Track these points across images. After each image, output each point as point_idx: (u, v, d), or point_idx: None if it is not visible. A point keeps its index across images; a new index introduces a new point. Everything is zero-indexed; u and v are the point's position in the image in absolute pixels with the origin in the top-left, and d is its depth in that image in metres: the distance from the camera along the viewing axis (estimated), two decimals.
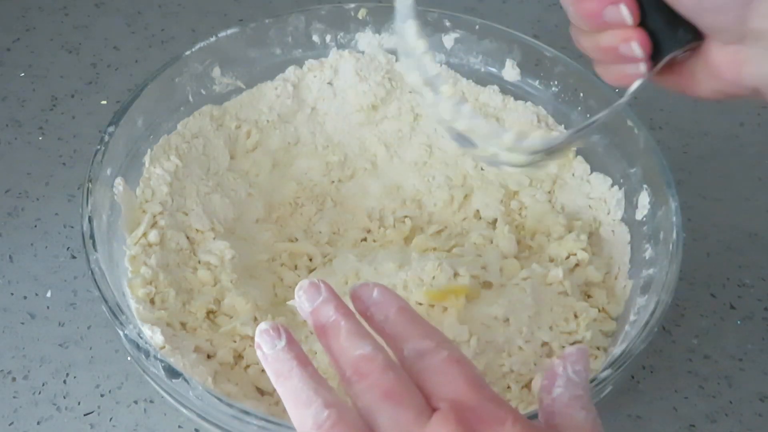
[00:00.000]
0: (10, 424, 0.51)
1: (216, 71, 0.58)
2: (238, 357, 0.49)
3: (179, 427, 0.51)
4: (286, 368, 0.36)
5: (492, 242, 0.56)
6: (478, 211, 0.59)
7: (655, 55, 0.39)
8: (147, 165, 0.54)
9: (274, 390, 0.47)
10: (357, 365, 0.36)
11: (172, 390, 0.43)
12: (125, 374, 0.53)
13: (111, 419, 0.52)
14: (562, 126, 0.59)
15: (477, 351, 0.46)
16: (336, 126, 0.61)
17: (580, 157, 0.59)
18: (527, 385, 0.47)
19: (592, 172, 0.58)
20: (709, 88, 0.40)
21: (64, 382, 0.53)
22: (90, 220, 0.47)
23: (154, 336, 0.45)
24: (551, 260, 0.55)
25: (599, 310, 0.52)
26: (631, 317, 0.49)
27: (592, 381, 0.42)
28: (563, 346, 0.48)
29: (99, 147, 0.50)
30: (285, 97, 0.60)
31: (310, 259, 0.56)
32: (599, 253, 0.55)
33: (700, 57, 0.39)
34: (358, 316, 0.40)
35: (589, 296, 0.53)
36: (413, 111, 0.62)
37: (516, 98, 0.60)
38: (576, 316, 0.50)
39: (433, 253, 0.55)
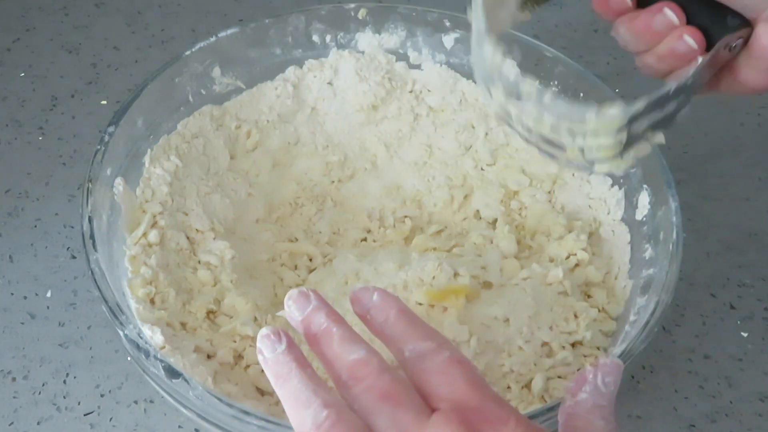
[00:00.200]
0: (10, 424, 0.51)
1: (216, 71, 0.58)
2: (238, 357, 0.49)
3: (179, 427, 0.51)
4: (285, 370, 0.36)
5: (492, 242, 0.56)
6: (478, 211, 0.59)
7: (709, 48, 0.42)
8: (147, 165, 0.54)
9: (274, 390, 0.47)
10: (352, 369, 0.36)
11: (172, 390, 0.43)
12: (125, 374, 0.53)
13: (111, 419, 0.52)
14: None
15: (477, 351, 0.46)
16: (336, 126, 0.61)
17: None
18: (527, 385, 0.47)
19: (592, 173, 0.58)
20: (760, 80, 0.42)
21: (64, 382, 0.53)
22: (90, 220, 0.47)
23: (154, 336, 0.45)
24: (551, 260, 0.55)
25: (599, 310, 0.52)
26: (631, 317, 0.49)
27: None
28: (563, 346, 0.48)
29: (99, 147, 0.50)
30: (285, 97, 0.60)
31: (310, 259, 0.56)
32: (599, 253, 0.55)
33: (750, 48, 0.41)
34: (354, 320, 0.40)
35: (589, 296, 0.53)
36: (413, 111, 0.62)
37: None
38: (576, 316, 0.50)
39: (433, 253, 0.55)
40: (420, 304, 0.48)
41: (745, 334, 0.58)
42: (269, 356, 0.37)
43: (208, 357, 0.48)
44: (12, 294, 0.57)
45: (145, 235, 0.51)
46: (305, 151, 0.61)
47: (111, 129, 0.51)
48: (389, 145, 0.62)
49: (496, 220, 0.58)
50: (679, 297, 0.58)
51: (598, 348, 0.50)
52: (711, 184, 0.66)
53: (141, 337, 0.43)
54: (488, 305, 0.49)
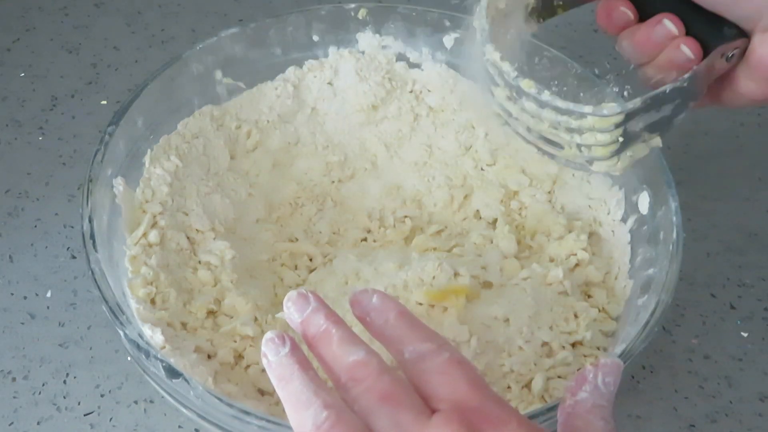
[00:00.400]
0: (10, 424, 0.51)
1: (216, 71, 0.58)
2: (239, 357, 0.49)
3: (179, 427, 0.51)
4: (287, 372, 0.36)
5: (492, 242, 0.56)
6: (478, 211, 0.59)
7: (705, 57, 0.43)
8: (147, 165, 0.54)
9: (275, 390, 0.47)
10: (352, 371, 0.36)
11: (172, 390, 0.43)
12: (125, 374, 0.53)
13: (111, 419, 0.52)
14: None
15: (477, 351, 0.46)
16: (336, 126, 0.61)
17: None
18: (527, 385, 0.47)
19: (590, 172, 0.58)
20: (758, 91, 0.43)
21: (64, 382, 0.53)
22: (90, 220, 0.47)
23: (154, 336, 0.45)
24: (551, 260, 0.55)
25: (599, 310, 0.52)
26: (631, 317, 0.49)
27: None
28: (563, 346, 0.48)
29: (99, 147, 0.50)
30: (285, 98, 0.60)
31: (311, 259, 0.56)
32: (599, 253, 0.55)
33: (747, 58, 0.42)
34: (354, 321, 0.40)
35: (589, 296, 0.53)
36: (413, 111, 0.62)
37: None
38: (576, 316, 0.50)
39: (433, 253, 0.55)
40: (420, 304, 0.48)
41: (745, 334, 0.58)
42: (273, 359, 0.37)
43: (209, 357, 0.48)
44: (12, 294, 0.57)
45: (145, 235, 0.51)
46: (305, 151, 0.61)
47: (111, 129, 0.51)
48: (389, 145, 0.62)
49: (496, 220, 0.58)
50: (679, 297, 0.58)
51: (598, 348, 0.50)
52: (711, 184, 0.66)
53: (141, 337, 0.43)
54: (488, 305, 0.49)
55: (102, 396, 0.53)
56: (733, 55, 0.43)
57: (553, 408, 0.40)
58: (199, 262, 0.52)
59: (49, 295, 0.57)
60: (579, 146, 0.43)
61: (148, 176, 0.53)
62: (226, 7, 0.78)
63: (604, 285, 0.54)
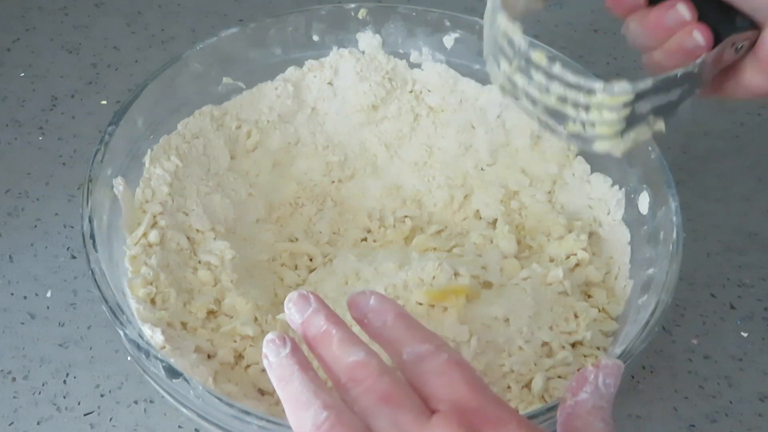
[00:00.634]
0: (10, 424, 0.51)
1: (216, 71, 0.58)
2: (239, 357, 0.49)
3: (179, 427, 0.51)
4: (287, 373, 0.36)
5: (492, 242, 0.56)
6: (478, 211, 0.59)
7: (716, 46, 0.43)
8: (147, 165, 0.54)
9: (275, 390, 0.47)
10: (351, 371, 0.36)
11: (172, 390, 0.43)
12: (125, 374, 0.53)
13: (111, 419, 0.52)
14: (562, 126, 0.59)
15: (477, 351, 0.46)
16: (336, 126, 0.61)
17: (580, 157, 0.59)
18: (527, 385, 0.47)
19: (592, 172, 0.58)
20: (763, 84, 0.43)
21: (64, 382, 0.53)
22: (90, 220, 0.47)
23: (154, 336, 0.45)
24: (551, 260, 0.55)
25: (599, 310, 0.52)
26: (631, 317, 0.49)
27: None
28: (563, 346, 0.48)
29: (99, 147, 0.50)
30: (285, 97, 0.60)
31: (311, 259, 0.56)
32: (599, 253, 0.55)
33: (755, 51, 0.42)
34: (353, 323, 0.40)
35: (589, 296, 0.53)
36: (413, 111, 0.62)
37: None
38: (576, 316, 0.50)
39: (433, 253, 0.55)
40: (420, 304, 0.48)
41: (745, 334, 0.58)
42: (273, 360, 0.37)
43: (209, 357, 0.48)
44: (12, 294, 0.57)
45: (145, 235, 0.51)
46: (305, 151, 0.61)
47: (111, 129, 0.51)
48: (389, 145, 0.62)
49: (496, 220, 0.58)
50: (679, 297, 0.58)
51: (598, 348, 0.50)
52: (711, 184, 0.66)
53: (141, 337, 0.43)
54: (488, 305, 0.49)
55: (102, 396, 0.53)
56: (742, 46, 0.42)
57: (553, 408, 0.40)
58: (199, 262, 0.52)
59: (49, 295, 0.57)
60: (583, 123, 0.43)
61: (148, 176, 0.53)
62: (226, 7, 0.78)
63: (604, 285, 0.54)
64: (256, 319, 0.50)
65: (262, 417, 0.40)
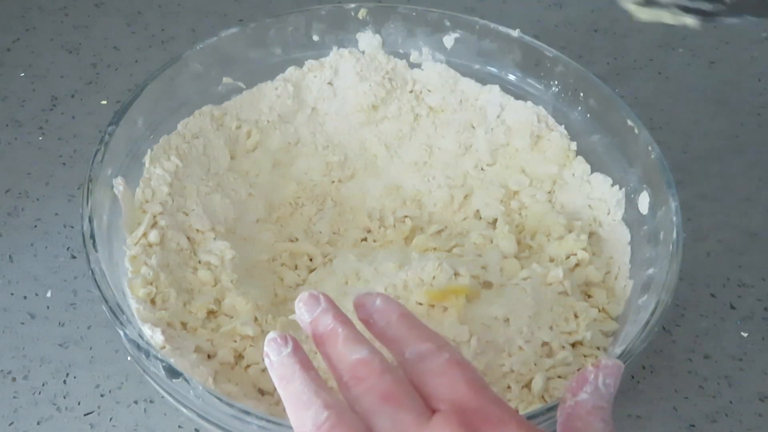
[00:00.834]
0: (10, 424, 0.51)
1: (216, 71, 0.58)
2: (239, 357, 0.49)
3: (179, 427, 0.51)
4: (288, 372, 0.36)
5: (492, 242, 0.56)
6: (478, 211, 0.59)
7: None
8: (147, 165, 0.54)
9: (275, 390, 0.47)
10: (354, 369, 0.36)
11: (172, 390, 0.43)
12: (125, 374, 0.53)
13: (111, 419, 0.52)
14: (563, 126, 0.60)
15: (477, 351, 0.46)
16: (336, 126, 0.61)
17: (580, 157, 0.59)
18: (527, 385, 0.47)
19: (592, 172, 0.58)
20: None
21: (64, 382, 0.53)
22: (90, 220, 0.47)
23: (154, 336, 0.45)
24: (551, 260, 0.55)
25: (599, 310, 0.52)
26: (631, 317, 0.49)
27: None
28: (563, 346, 0.48)
29: (99, 147, 0.50)
30: (285, 97, 0.60)
31: (311, 259, 0.56)
32: (599, 253, 0.55)
33: None
34: (357, 321, 0.40)
35: (589, 296, 0.53)
36: (413, 111, 0.62)
37: (516, 98, 0.61)
38: (576, 316, 0.50)
39: (433, 253, 0.55)
40: (420, 304, 0.48)
41: (745, 334, 0.58)
42: (275, 359, 0.37)
43: (209, 357, 0.48)
44: (12, 294, 0.57)
45: (145, 235, 0.51)
46: (305, 151, 0.61)
47: (111, 129, 0.51)
48: (389, 145, 0.62)
49: (496, 220, 0.58)
50: (679, 297, 0.58)
51: (598, 348, 0.50)
52: (711, 184, 0.66)
53: (141, 337, 0.43)
54: (488, 305, 0.49)
55: (102, 396, 0.53)
56: None
57: (552, 408, 0.40)
58: (199, 262, 0.52)
59: (49, 295, 0.57)
60: None
61: (148, 176, 0.53)
62: (226, 7, 0.78)
63: (604, 285, 0.54)
64: (256, 319, 0.50)
65: (262, 417, 0.40)
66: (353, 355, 0.36)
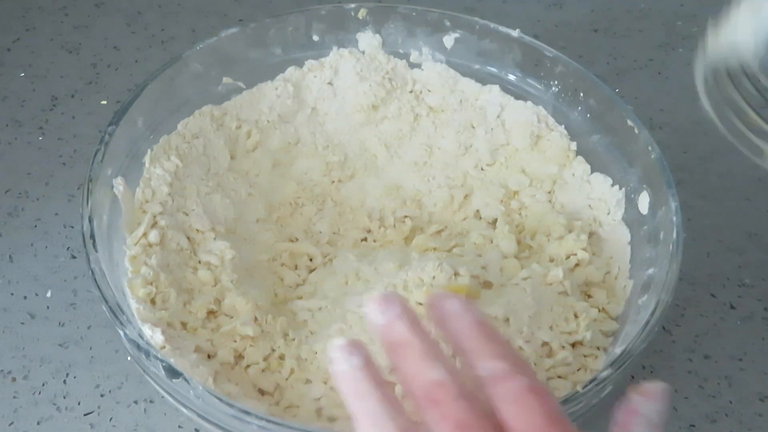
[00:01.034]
0: (10, 424, 0.51)
1: (216, 71, 0.58)
2: (239, 357, 0.49)
3: (179, 427, 0.51)
4: (363, 388, 0.35)
5: (492, 242, 0.56)
6: (478, 211, 0.59)
7: None
8: (147, 165, 0.54)
9: (275, 390, 0.47)
10: (429, 391, 0.35)
11: (172, 390, 0.43)
12: (125, 374, 0.53)
13: (111, 419, 0.52)
14: (563, 126, 0.60)
15: None
16: (336, 126, 0.61)
17: (580, 157, 0.59)
18: None
19: (592, 172, 0.58)
20: None
21: (64, 382, 0.53)
22: (90, 220, 0.47)
23: (154, 336, 0.45)
24: (551, 260, 0.55)
25: (599, 310, 0.52)
26: (631, 317, 0.49)
27: (592, 381, 0.42)
28: (563, 346, 0.48)
29: (99, 147, 0.50)
30: (285, 97, 0.60)
31: (311, 259, 0.56)
32: (599, 253, 0.55)
33: None
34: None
35: (589, 296, 0.53)
36: (413, 111, 0.62)
37: (516, 98, 0.61)
38: (576, 316, 0.50)
39: (433, 253, 0.55)
40: (420, 304, 0.48)
41: (745, 334, 0.57)
42: (344, 369, 0.36)
43: (209, 357, 0.48)
44: (12, 294, 0.57)
45: (145, 235, 0.51)
46: (305, 151, 0.61)
47: (111, 129, 0.51)
48: (389, 145, 0.62)
49: (496, 220, 0.58)
50: (679, 297, 0.58)
51: (598, 348, 0.50)
52: (711, 184, 0.66)
53: (141, 337, 0.43)
54: (488, 305, 0.49)
55: (102, 396, 0.53)
56: None
57: None
58: (199, 262, 0.52)
59: (49, 295, 0.57)
60: None
61: (148, 176, 0.53)
62: (226, 7, 0.78)
63: (604, 285, 0.54)
64: (256, 319, 0.50)
65: (262, 417, 0.40)
66: (429, 375, 0.35)
